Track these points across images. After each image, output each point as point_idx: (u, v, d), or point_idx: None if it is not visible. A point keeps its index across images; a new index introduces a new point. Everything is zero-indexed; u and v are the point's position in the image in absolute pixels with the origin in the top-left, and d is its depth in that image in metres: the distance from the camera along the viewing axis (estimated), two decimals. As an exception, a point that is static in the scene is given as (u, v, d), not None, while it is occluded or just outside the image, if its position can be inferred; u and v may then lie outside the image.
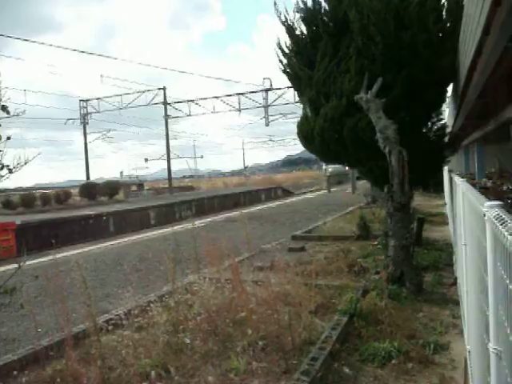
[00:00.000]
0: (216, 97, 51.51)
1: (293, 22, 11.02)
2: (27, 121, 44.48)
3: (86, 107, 53.77)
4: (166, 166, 55.17)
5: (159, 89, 51.83)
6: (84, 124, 54.22)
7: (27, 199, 39.77)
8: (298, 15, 10.99)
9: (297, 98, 31.14)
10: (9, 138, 3.35)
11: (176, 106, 53.22)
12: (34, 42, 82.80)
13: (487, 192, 11.44)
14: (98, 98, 53.55)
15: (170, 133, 54.63)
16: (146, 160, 72.45)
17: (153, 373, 4.73)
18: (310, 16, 10.73)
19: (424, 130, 11.10)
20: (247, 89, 59.08)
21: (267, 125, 52.19)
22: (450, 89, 12.14)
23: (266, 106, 49.95)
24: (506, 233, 1.72)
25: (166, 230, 17.91)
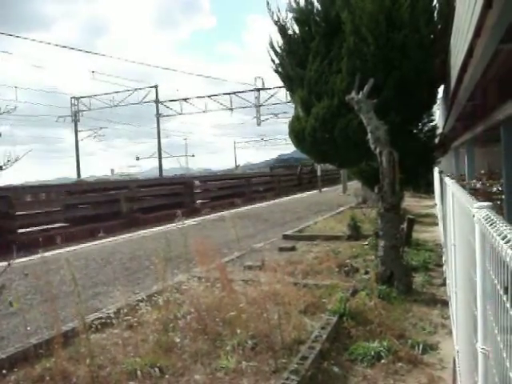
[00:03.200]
0: (208, 96, 51.47)
1: (285, 22, 11.04)
2: (15, 118, 44.16)
3: (77, 105, 53.49)
4: (158, 165, 54.98)
5: (151, 87, 51.64)
6: (75, 122, 53.93)
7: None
8: (290, 15, 11.01)
9: (289, 98, 31.25)
10: (-1, 135, 3.33)
11: (167, 104, 53.13)
12: (18, 36, 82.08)
13: (477, 193, 11.51)
14: (89, 96, 53.32)
15: (160, 131, 54.48)
16: (138, 158, 72.25)
17: (138, 373, 4.72)
18: (302, 16, 10.75)
19: (415, 131, 11.16)
20: (238, 88, 59.14)
21: (259, 124, 52.30)
22: (440, 90, 12.22)
23: (258, 106, 49.98)
24: (494, 233, 1.73)
25: (157, 228, 17.87)
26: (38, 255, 6.11)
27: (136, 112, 65.10)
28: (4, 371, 4.89)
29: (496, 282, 1.82)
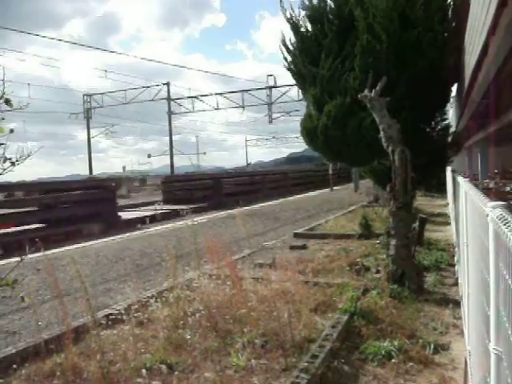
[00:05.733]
0: (220, 93, 51.56)
1: (298, 20, 11.02)
2: (28, 114, 44.50)
3: (89, 102, 53.76)
4: (169, 162, 55.11)
5: (163, 84, 51.78)
6: (88, 119, 54.22)
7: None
8: (303, 13, 11.00)
9: (301, 96, 31.16)
10: (12, 131, 3.34)
11: (179, 101, 53.22)
12: (29, 33, 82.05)
13: (490, 193, 11.43)
14: (101, 93, 53.61)
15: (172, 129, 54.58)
16: (149, 156, 72.66)
17: (143, 371, 4.72)
18: (315, 14, 10.73)
19: (427, 130, 11.09)
20: (249, 86, 59.23)
21: (270, 122, 52.25)
22: (454, 88, 12.13)
23: (270, 104, 49.93)
24: (508, 233, 1.71)
25: (167, 225, 17.92)
26: (50, 251, 6.14)
27: (146, 109, 65.48)
28: (15, 366, 4.93)
29: (510, 281, 1.80)
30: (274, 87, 48.59)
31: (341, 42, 10.11)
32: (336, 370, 4.93)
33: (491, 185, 13.73)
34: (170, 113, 52.73)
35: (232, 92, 51.41)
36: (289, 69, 11.43)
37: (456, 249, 8.94)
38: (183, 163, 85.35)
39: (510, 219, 1.88)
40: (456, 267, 8.43)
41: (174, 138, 54.82)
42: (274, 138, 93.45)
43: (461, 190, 5.73)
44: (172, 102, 52.43)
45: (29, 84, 44.51)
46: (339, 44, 10.11)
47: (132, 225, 22.36)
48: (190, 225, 7.41)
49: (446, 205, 18.64)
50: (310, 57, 10.71)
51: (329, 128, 10.15)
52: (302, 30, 11.00)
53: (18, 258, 3.73)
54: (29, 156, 3.36)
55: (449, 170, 13.89)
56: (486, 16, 4.62)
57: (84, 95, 54.15)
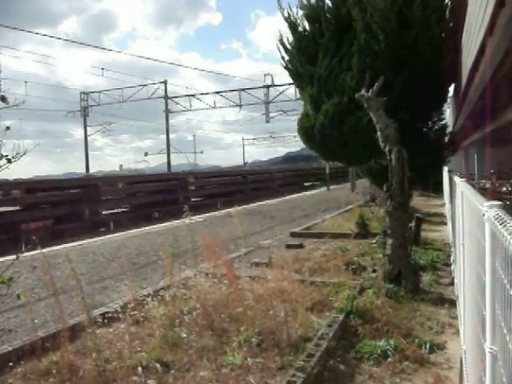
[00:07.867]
0: (217, 92, 51.51)
1: (296, 19, 11.03)
2: (23, 112, 44.31)
3: (86, 100, 53.59)
4: (166, 161, 54.99)
5: (160, 82, 51.68)
6: (84, 117, 54.06)
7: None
8: (301, 12, 11.01)
9: (298, 95, 31.13)
10: (8, 128, 3.33)
11: (176, 99, 53.11)
12: (23, 30, 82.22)
13: (486, 193, 11.46)
14: (98, 91, 53.48)
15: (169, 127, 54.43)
16: (146, 154, 72.48)
17: (139, 369, 4.72)
18: (313, 13, 10.74)
19: (424, 130, 11.12)
20: (245, 85, 59.13)
21: (268, 121, 52.17)
22: (451, 89, 12.16)
23: (267, 103, 49.87)
24: (505, 232, 1.71)
25: (164, 223, 17.90)
26: (47, 249, 6.13)
27: (143, 108, 65.23)
28: (11, 364, 4.92)
29: (505, 281, 1.80)
30: (271, 86, 48.57)
31: (338, 41, 10.12)
32: (332, 369, 4.93)
33: (487, 185, 13.76)
34: (168, 111, 52.60)
35: (230, 91, 51.40)
36: (286, 68, 11.44)
37: (452, 248, 8.96)
38: (180, 162, 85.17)
39: (506, 219, 1.89)
40: (452, 267, 8.44)
41: (170, 136, 54.72)
42: (271, 137, 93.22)
43: (457, 189, 5.73)
44: (169, 101, 52.32)
45: (26, 82, 44.21)
46: (336, 43, 10.13)
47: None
48: (188, 223, 7.39)
49: (443, 205, 18.65)
50: (307, 56, 10.71)
51: (326, 127, 10.16)
52: (300, 29, 11.01)
53: (14, 256, 3.71)
54: (25, 154, 3.36)
55: (445, 169, 13.92)
56: (484, 16, 4.63)
57: (81, 93, 54.00)
